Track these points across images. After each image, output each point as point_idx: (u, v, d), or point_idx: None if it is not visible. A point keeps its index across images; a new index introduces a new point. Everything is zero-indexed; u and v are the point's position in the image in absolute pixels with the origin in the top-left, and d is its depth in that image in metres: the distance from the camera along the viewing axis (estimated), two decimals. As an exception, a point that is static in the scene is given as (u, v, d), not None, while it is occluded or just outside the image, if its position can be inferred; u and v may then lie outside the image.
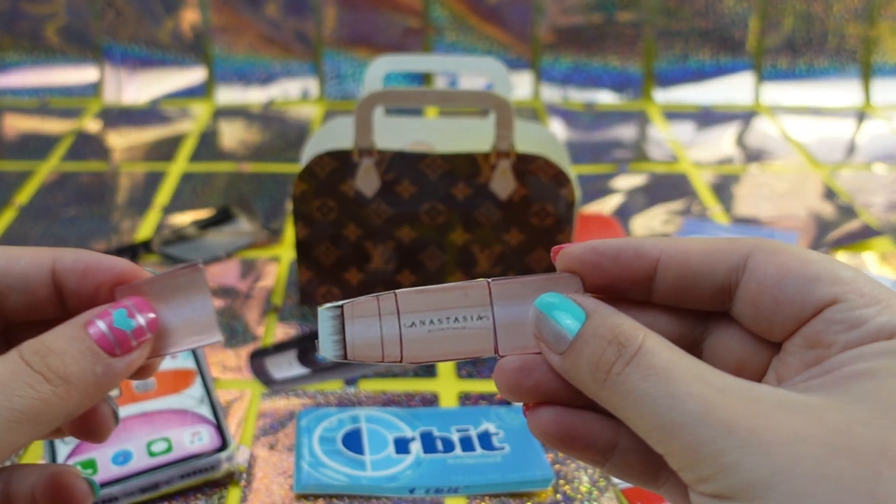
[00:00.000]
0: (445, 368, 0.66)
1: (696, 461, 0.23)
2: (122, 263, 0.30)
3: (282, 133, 1.09)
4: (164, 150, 1.03)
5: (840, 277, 0.26)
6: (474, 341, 0.30)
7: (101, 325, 0.28)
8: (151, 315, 0.29)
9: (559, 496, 0.55)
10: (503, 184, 0.66)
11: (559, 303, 0.28)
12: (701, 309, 0.29)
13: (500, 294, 0.30)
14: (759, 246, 0.27)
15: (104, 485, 0.52)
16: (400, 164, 0.66)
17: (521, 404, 0.30)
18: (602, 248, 0.29)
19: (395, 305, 0.30)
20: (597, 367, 0.26)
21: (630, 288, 0.29)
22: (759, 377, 0.28)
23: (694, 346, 0.30)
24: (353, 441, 0.57)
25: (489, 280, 0.30)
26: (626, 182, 0.97)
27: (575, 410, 0.29)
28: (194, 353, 0.62)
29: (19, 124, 1.11)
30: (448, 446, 0.57)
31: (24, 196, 0.92)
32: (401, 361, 0.30)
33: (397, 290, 0.30)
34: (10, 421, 0.25)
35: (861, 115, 1.17)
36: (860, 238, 0.85)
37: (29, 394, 0.25)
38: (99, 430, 0.30)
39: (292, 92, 1.18)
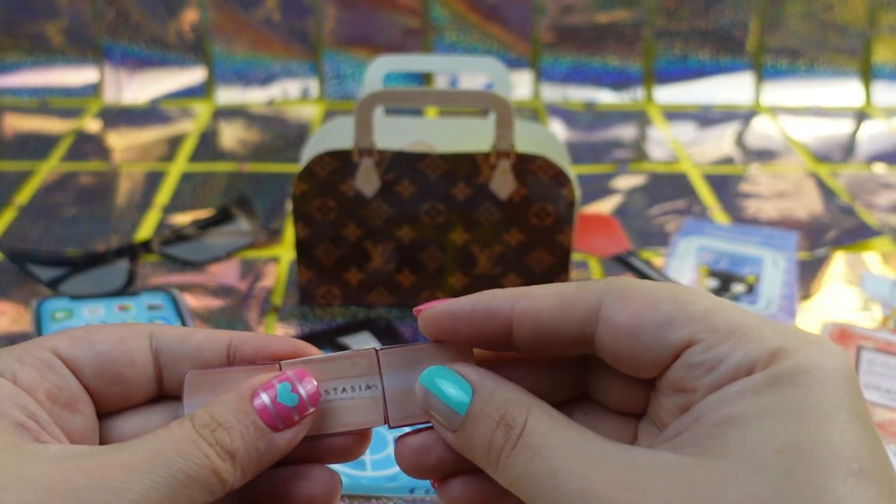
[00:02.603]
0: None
1: None
2: (297, 341, 0.31)
3: (282, 133, 1.09)
4: (164, 150, 1.03)
5: (691, 316, 0.26)
6: (364, 412, 0.30)
7: (266, 399, 0.28)
8: (313, 387, 0.29)
9: (559, 496, 0.55)
10: (503, 184, 0.66)
11: (444, 377, 0.28)
12: (569, 355, 0.29)
13: (388, 363, 0.30)
14: (608, 292, 0.27)
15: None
16: (400, 164, 0.66)
17: None
18: (455, 311, 0.29)
19: None
20: (489, 451, 0.27)
21: (494, 345, 0.29)
22: (643, 408, 0.29)
23: (578, 387, 0.30)
24: (353, 441, 0.57)
25: (377, 348, 0.30)
26: (626, 182, 0.97)
27: (482, 476, 0.28)
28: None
29: (19, 124, 1.11)
30: (448, 446, 0.57)
31: (24, 196, 0.92)
32: None
33: (281, 362, 0.29)
34: (187, 486, 0.25)
35: (861, 115, 1.16)
36: (860, 238, 0.85)
37: (204, 463, 0.26)
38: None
39: (292, 92, 1.18)
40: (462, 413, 0.27)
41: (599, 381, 0.30)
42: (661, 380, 0.27)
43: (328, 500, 0.30)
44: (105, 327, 0.30)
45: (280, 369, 0.29)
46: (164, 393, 0.31)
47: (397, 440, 0.30)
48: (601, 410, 0.30)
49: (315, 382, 0.29)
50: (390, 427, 0.29)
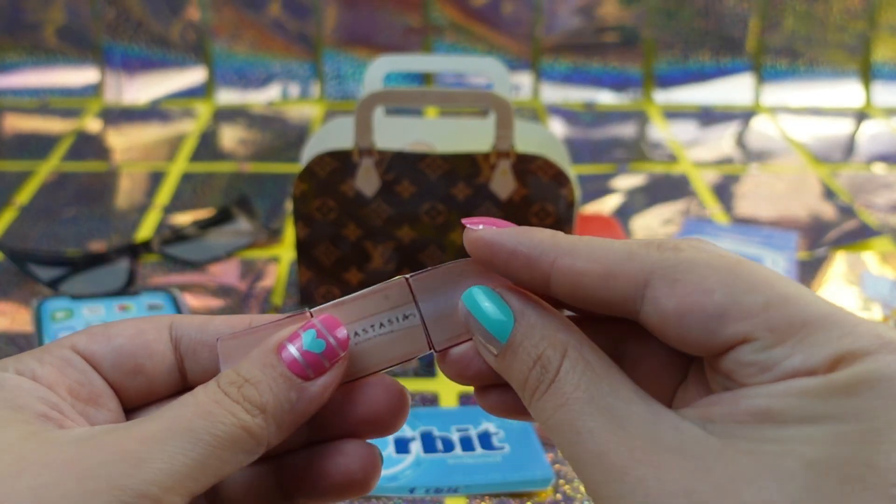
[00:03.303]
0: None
1: (595, 499, 0.24)
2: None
3: (282, 133, 1.09)
4: (164, 150, 1.03)
5: (748, 310, 0.23)
6: (406, 343, 0.29)
7: (293, 349, 0.27)
8: (342, 333, 0.28)
9: (559, 496, 0.55)
10: (503, 184, 0.66)
11: (488, 299, 0.27)
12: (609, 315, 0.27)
13: (421, 288, 0.29)
14: (656, 273, 0.25)
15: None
16: (400, 164, 0.66)
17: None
18: (496, 247, 0.27)
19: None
20: (524, 387, 0.26)
21: (529, 287, 0.28)
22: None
23: (630, 320, 0.28)
24: (353, 441, 0.57)
25: (406, 276, 0.29)
26: (626, 182, 0.97)
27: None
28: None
29: (19, 124, 1.11)
30: (448, 446, 0.57)
31: (24, 196, 0.92)
32: None
33: (311, 309, 0.29)
34: (215, 447, 0.25)
35: (861, 115, 1.17)
36: (860, 238, 0.85)
37: (231, 421, 0.25)
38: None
39: (292, 92, 1.18)
40: (503, 341, 0.27)
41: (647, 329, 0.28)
42: (710, 359, 0.25)
43: (367, 475, 0.29)
44: (124, 321, 0.30)
45: (311, 317, 0.29)
46: (189, 384, 0.30)
47: (440, 350, 0.29)
48: (657, 342, 0.28)
49: (344, 329, 0.28)
50: (437, 351, 0.29)
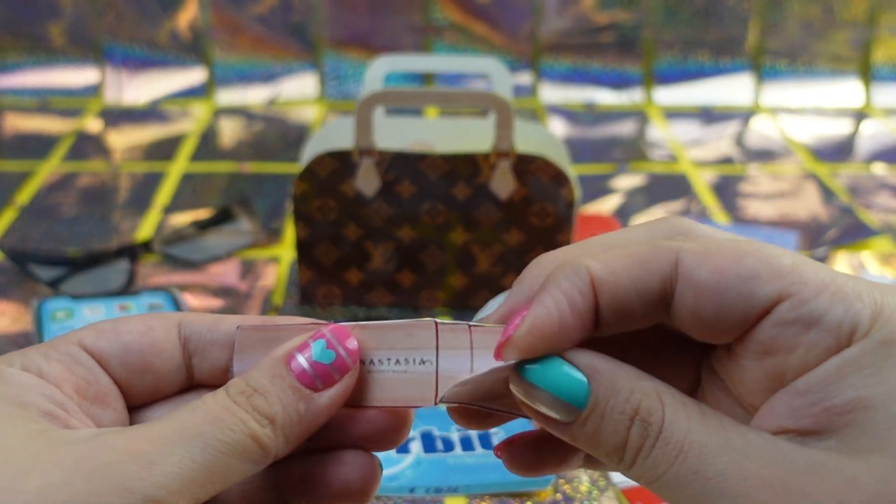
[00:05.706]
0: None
1: None
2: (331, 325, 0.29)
3: (282, 133, 1.09)
4: (164, 150, 1.04)
5: (779, 269, 0.23)
6: (414, 388, 0.28)
7: (302, 359, 0.27)
8: (353, 344, 0.27)
9: (559, 496, 0.55)
10: (503, 184, 0.66)
11: (546, 364, 0.25)
12: (635, 328, 0.26)
13: (447, 340, 0.28)
14: (685, 250, 0.24)
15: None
16: (400, 164, 0.66)
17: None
18: (548, 325, 0.24)
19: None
20: (623, 451, 0.24)
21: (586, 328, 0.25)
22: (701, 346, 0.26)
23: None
24: (353, 441, 0.57)
25: (437, 321, 0.28)
26: (626, 182, 0.97)
27: (537, 440, 0.28)
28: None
29: (20, 124, 1.11)
30: (448, 446, 0.57)
31: (24, 196, 0.92)
32: None
33: (334, 324, 0.28)
34: (224, 454, 0.24)
35: (861, 116, 1.17)
36: (860, 238, 0.85)
37: (240, 428, 0.25)
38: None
39: (292, 92, 1.18)
40: (581, 407, 0.24)
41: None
42: (742, 342, 0.24)
43: (366, 485, 0.28)
44: (132, 318, 0.29)
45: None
46: (196, 382, 0.30)
47: (503, 452, 0.28)
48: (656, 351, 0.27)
49: (354, 340, 0.27)
50: (437, 404, 0.28)
